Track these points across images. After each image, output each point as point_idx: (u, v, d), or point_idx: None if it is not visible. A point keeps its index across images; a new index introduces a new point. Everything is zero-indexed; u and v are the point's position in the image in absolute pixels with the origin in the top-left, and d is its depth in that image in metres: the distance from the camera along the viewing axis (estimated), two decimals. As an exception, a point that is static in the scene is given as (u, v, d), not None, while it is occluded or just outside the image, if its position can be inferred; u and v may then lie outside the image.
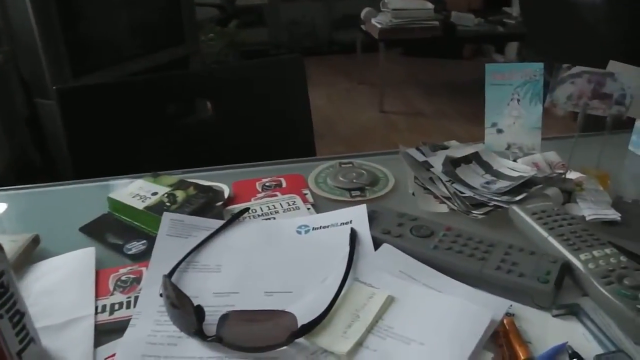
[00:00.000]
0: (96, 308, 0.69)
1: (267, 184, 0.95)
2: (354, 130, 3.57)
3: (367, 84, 4.36)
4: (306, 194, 0.92)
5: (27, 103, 3.03)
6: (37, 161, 3.14)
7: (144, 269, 0.75)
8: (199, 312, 0.62)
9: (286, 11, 5.32)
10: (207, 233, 0.79)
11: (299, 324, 0.61)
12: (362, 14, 4.12)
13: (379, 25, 3.78)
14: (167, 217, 0.81)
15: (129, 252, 0.80)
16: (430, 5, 3.81)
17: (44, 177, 2.99)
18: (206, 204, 0.85)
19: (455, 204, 0.89)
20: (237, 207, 0.88)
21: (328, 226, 0.80)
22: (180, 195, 0.86)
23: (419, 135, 3.53)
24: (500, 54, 4.78)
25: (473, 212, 0.87)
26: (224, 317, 0.61)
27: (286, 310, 0.62)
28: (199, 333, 0.62)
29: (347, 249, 0.74)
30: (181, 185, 0.89)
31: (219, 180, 0.95)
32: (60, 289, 0.72)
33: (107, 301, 0.70)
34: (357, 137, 3.46)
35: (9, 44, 2.89)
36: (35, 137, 3.10)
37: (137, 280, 0.73)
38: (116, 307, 0.69)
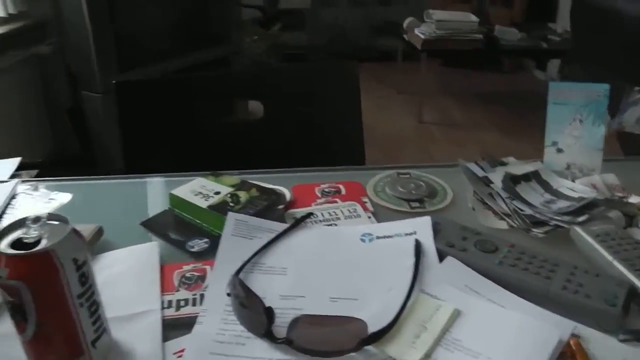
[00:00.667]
0: (162, 303, 0.70)
1: (326, 190, 0.95)
2: (392, 139, 3.56)
3: (406, 93, 4.35)
4: (366, 202, 0.92)
5: (71, 95, 3.07)
6: (77, 152, 3.18)
7: (207, 267, 0.76)
8: (270, 313, 0.63)
9: (326, 16, 5.33)
10: (271, 235, 0.80)
11: (369, 332, 0.62)
12: (405, 24, 4.12)
13: (422, 36, 3.77)
14: (232, 217, 0.82)
15: (192, 250, 0.81)
16: (474, 18, 3.80)
17: (83, 168, 3.03)
18: (269, 206, 0.86)
19: (516, 221, 0.88)
20: (298, 211, 0.89)
21: (392, 236, 0.80)
22: (243, 196, 0.87)
23: (455, 146, 3.52)
24: (541, 70, 4.74)
25: (533, 230, 0.87)
26: (296, 320, 0.62)
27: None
28: (268, 334, 0.63)
29: (412, 259, 0.74)
30: (243, 186, 0.90)
31: (275, 183, 0.96)
32: (125, 282, 0.74)
33: (173, 297, 0.71)
34: (395, 146, 3.46)
35: (58, 35, 2.93)
36: (76, 129, 3.14)
37: (202, 278, 0.74)
38: (182, 303, 0.70)
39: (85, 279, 0.57)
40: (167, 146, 1.38)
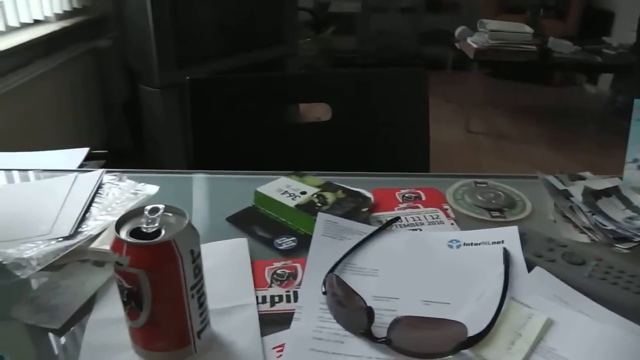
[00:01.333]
0: (256, 298, 0.71)
1: (406, 195, 0.96)
2: (439, 148, 3.54)
3: (453, 102, 4.34)
4: (447, 209, 0.93)
5: (127, 89, 3.13)
6: (129, 146, 3.24)
7: (298, 265, 0.77)
8: (371, 313, 0.64)
9: (376, 21, 5.35)
10: (360, 237, 0.81)
11: (467, 336, 0.62)
12: (457, 33, 4.11)
13: (474, 45, 3.76)
14: (322, 217, 0.83)
15: (280, 247, 0.82)
16: (529, 29, 3.78)
17: (134, 162, 3.08)
18: (355, 208, 0.87)
19: (598, 235, 0.88)
20: (382, 214, 0.89)
21: (479, 243, 0.80)
22: (330, 197, 0.89)
23: (503, 159, 3.50)
24: (592, 84, 4.68)
25: (616, 245, 0.86)
26: (396, 321, 0.62)
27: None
28: (367, 334, 0.63)
29: (501, 267, 0.75)
30: (329, 187, 0.91)
31: (352, 186, 0.96)
32: (219, 275, 0.75)
33: (267, 293, 0.72)
34: (443, 155, 3.44)
35: (118, 30, 2.99)
36: (130, 122, 3.19)
37: (293, 275, 0.75)
38: (276, 299, 0.71)
39: (198, 271, 0.59)
40: (235, 144, 1.40)
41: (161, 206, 0.58)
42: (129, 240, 0.55)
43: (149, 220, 0.57)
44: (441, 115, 4.17)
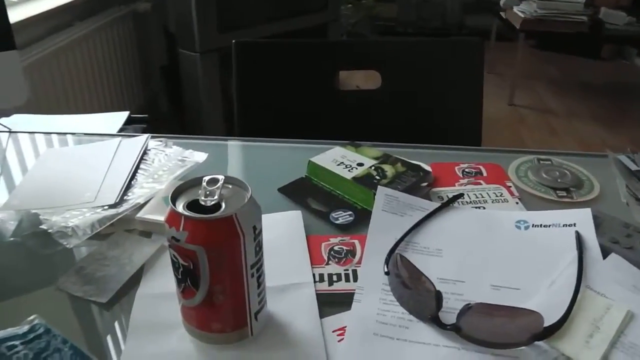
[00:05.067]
0: (313, 276, 0.67)
1: (466, 170, 0.91)
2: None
3: (495, 74, 4.23)
4: (510, 186, 0.87)
5: (166, 53, 3.10)
6: (167, 110, 3.22)
7: (356, 241, 0.73)
8: (439, 297, 0.60)
9: (419, -12, 5.22)
10: (422, 214, 0.76)
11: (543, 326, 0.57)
12: (503, 1, 3.98)
13: (522, 15, 3.64)
14: (382, 191, 0.78)
15: (336, 222, 0.78)
16: (580, -1, 3.63)
17: (173, 127, 3.07)
18: (416, 183, 0.82)
19: (675, 220, 0.82)
20: (443, 190, 0.85)
21: (549, 225, 0.75)
22: (389, 170, 0.84)
23: (548, 134, 3.41)
24: (643, 58, 4.52)
25: (695, 231, 0.80)
26: (467, 308, 0.58)
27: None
28: (435, 320, 0.59)
29: (574, 253, 0.70)
30: (387, 159, 0.87)
31: (409, 159, 0.91)
32: (274, 250, 0.71)
33: (324, 270, 0.68)
34: (485, 127, 3.36)
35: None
36: (168, 87, 3.18)
37: (352, 252, 0.71)
38: (334, 278, 0.67)
39: (259, 248, 0.55)
40: (280, 110, 1.36)
41: (220, 177, 0.54)
42: (186, 213, 0.51)
43: (208, 192, 0.53)
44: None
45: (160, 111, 3.31)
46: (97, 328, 0.63)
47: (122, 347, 0.59)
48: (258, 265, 0.55)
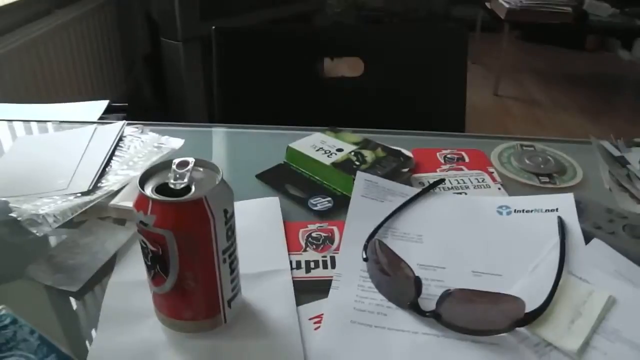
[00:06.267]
0: (290, 263, 0.66)
1: (448, 156, 0.90)
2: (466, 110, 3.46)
3: (480, 64, 4.22)
4: (492, 172, 0.86)
5: (149, 41, 3.06)
6: (150, 98, 3.19)
7: (334, 228, 0.71)
8: (419, 284, 0.58)
9: (404, -21, 5.19)
10: (402, 199, 0.75)
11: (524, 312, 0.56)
12: (488, -9, 3.97)
13: (507, 5, 3.62)
14: (361, 177, 0.77)
15: (315, 208, 0.76)
16: (565, -11, 3.63)
17: (155, 115, 3.04)
18: (396, 168, 0.81)
19: (658, 206, 0.81)
20: (424, 175, 0.83)
21: (531, 211, 0.74)
22: (369, 155, 0.82)
23: (533, 125, 3.41)
24: (626, 49, 4.52)
25: (679, 217, 0.79)
26: (447, 294, 0.56)
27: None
28: (414, 306, 0.58)
29: (556, 238, 0.68)
30: (367, 144, 0.85)
31: (390, 145, 0.90)
32: (250, 237, 0.69)
33: (301, 257, 0.67)
34: (469, 118, 3.36)
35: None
36: (151, 75, 3.14)
37: (329, 239, 0.70)
38: (312, 265, 0.66)
39: (231, 233, 0.53)
40: (261, 97, 1.34)
41: (191, 160, 0.52)
42: (154, 197, 0.49)
43: (177, 175, 0.51)
44: (468, 78, 4.06)
45: (143, 100, 3.28)
46: (67, 318, 0.61)
47: (92, 336, 0.57)
48: (230, 251, 0.53)
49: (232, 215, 0.53)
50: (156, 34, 2.88)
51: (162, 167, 0.53)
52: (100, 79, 2.79)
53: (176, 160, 0.52)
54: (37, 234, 0.71)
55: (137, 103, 3.17)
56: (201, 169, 0.53)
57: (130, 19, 3.07)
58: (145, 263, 0.53)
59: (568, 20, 3.66)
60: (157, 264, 0.51)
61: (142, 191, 0.50)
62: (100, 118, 1.39)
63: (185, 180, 0.51)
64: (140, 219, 0.49)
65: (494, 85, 3.83)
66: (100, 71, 2.80)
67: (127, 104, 1.54)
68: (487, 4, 3.98)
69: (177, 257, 0.50)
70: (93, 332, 0.58)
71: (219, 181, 0.51)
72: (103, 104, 1.47)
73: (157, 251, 0.50)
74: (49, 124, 1.05)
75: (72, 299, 0.63)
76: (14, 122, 1.06)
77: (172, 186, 0.51)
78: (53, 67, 2.34)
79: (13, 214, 0.74)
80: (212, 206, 0.49)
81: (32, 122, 1.06)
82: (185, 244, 0.49)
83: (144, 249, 0.52)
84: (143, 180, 0.52)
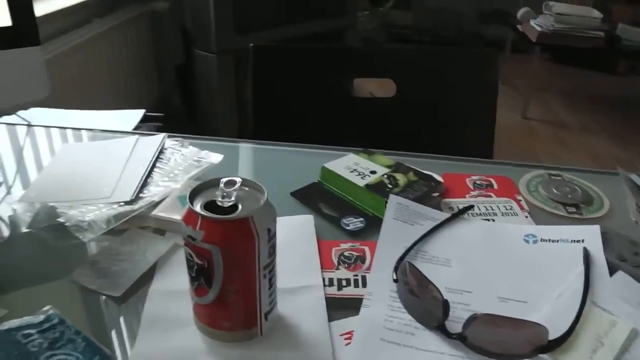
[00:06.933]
0: (323, 280, 0.68)
1: (477, 182, 0.92)
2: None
3: (509, 85, 4.23)
4: (520, 200, 0.88)
5: (182, 52, 3.12)
6: (179, 108, 3.24)
7: (366, 248, 0.74)
8: (446, 306, 0.61)
9: (434, -3, 5.22)
10: (432, 223, 0.77)
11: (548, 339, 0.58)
12: (519, 14, 3.98)
13: (538, 28, 3.63)
14: (394, 200, 0.80)
15: (347, 228, 0.79)
16: (598, 14, 3.62)
17: (186, 126, 3.09)
18: (427, 193, 0.83)
19: (683, 240, 0.82)
20: (453, 201, 0.86)
21: (557, 240, 0.76)
22: (400, 179, 0.85)
23: (561, 147, 3.40)
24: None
25: None
26: (473, 318, 0.59)
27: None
28: (441, 328, 0.60)
29: (580, 268, 0.70)
30: (399, 168, 0.88)
31: (420, 168, 0.92)
32: (285, 253, 0.72)
33: (334, 275, 0.70)
34: (497, 138, 3.37)
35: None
36: (182, 86, 3.19)
37: (361, 258, 0.72)
38: (344, 282, 0.68)
39: (273, 250, 0.56)
40: (294, 114, 1.37)
41: (238, 179, 0.55)
42: (204, 213, 0.52)
43: (225, 194, 0.54)
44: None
45: (172, 109, 3.33)
46: (109, 321, 0.65)
47: (132, 340, 0.60)
48: (270, 267, 0.57)
49: (275, 233, 0.56)
50: (189, 45, 2.93)
51: (209, 184, 0.57)
52: (132, 87, 2.85)
53: (224, 179, 0.56)
54: (83, 240, 0.74)
55: (166, 112, 3.22)
56: (247, 188, 0.57)
57: (164, 29, 3.13)
58: (190, 274, 0.56)
59: (600, 44, 3.65)
60: (201, 276, 0.54)
61: (192, 207, 0.53)
62: (136, 127, 1.44)
63: (233, 198, 0.54)
64: (188, 233, 0.53)
65: (522, 107, 3.84)
66: (134, 79, 2.86)
67: (162, 114, 1.59)
68: (519, 26, 3.99)
69: (221, 271, 0.53)
70: (132, 336, 0.61)
71: (264, 201, 0.54)
72: (139, 114, 1.52)
73: (203, 264, 0.53)
74: (87, 132, 1.09)
75: (114, 304, 0.66)
76: (51, 128, 1.10)
77: (219, 204, 0.54)
78: (90, 74, 2.41)
79: (61, 219, 0.78)
80: (258, 225, 0.52)
81: (67, 130, 1.10)
82: (230, 259, 0.53)
83: (190, 261, 0.55)
84: (192, 196, 0.55)
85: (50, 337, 0.57)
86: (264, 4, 2.83)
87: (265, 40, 2.67)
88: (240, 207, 0.54)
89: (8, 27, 0.85)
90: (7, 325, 0.57)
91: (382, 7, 4.04)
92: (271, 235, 0.55)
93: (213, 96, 2.87)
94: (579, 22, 3.62)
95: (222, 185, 0.55)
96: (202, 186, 0.57)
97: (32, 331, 0.57)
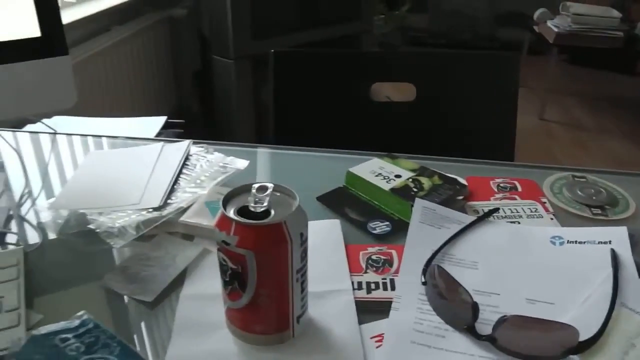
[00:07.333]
0: (352, 283, 0.69)
1: (501, 185, 0.92)
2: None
3: (526, 87, 4.21)
4: (545, 202, 0.88)
5: (200, 59, 3.14)
6: (197, 113, 3.26)
7: (393, 251, 0.75)
8: (476, 308, 0.61)
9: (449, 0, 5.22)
10: (458, 226, 0.78)
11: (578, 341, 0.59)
12: (536, 15, 3.97)
13: (555, 29, 3.62)
14: (420, 203, 0.80)
15: (374, 232, 0.80)
16: (616, 14, 3.60)
17: (203, 130, 3.11)
18: (452, 196, 0.84)
19: None
20: (478, 204, 0.86)
21: (584, 242, 0.76)
22: (425, 182, 0.86)
23: (579, 149, 3.39)
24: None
25: None
26: (502, 319, 0.59)
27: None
28: (471, 330, 0.61)
29: (609, 270, 0.70)
30: (424, 172, 0.88)
31: (443, 172, 0.93)
32: (313, 258, 0.73)
33: (362, 279, 0.70)
34: (516, 142, 3.36)
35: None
36: (200, 91, 3.21)
37: (389, 262, 0.73)
38: (372, 286, 0.69)
39: (305, 255, 0.57)
40: (314, 119, 1.38)
41: (270, 185, 0.56)
42: (237, 219, 0.53)
43: (257, 199, 0.55)
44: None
45: (190, 115, 3.36)
46: (141, 326, 0.66)
47: (165, 345, 0.61)
48: (303, 271, 0.57)
49: (307, 238, 0.57)
50: (207, 51, 2.96)
51: (241, 190, 0.58)
52: (150, 93, 2.87)
53: (256, 185, 0.56)
54: (114, 246, 0.76)
55: (184, 118, 3.24)
56: (278, 194, 0.58)
57: (182, 36, 3.16)
58: (223, 279, 0.57)
59: (619, 44, 3.63)
60: (235, 281, 0.55)
61: (225, 213, 0.54)
62: (158, 134, 1.45)
63: (265, 204, 0.55)
64: (222, 239, 0.54)
65: (539, 109, 3.82)
66: (152, 87, 2.89)
67: (183, 121, 1.60)
68: (535, 27, 3.98)
69: (255, 275, 0.54)
70: (166, 341, 0.62)
71: (296, 207, 0.55)
72: (161, 120, 1.54)
73: (237, 269, 0.54)
74: (111, 139, 1.11)
75: (145, 309, 0.67)
76: (72, 135, 1.13)
77: (252, 209, 0.55)
78: (109, 81, 2.43)
79: (91, 226, 0.79)
80: (290, 229, 0.53)
81: (92, 137, 1.12)
82: (264, 263, 0.54)
83: (223, 266, 0.56)
84: (225, 202, 0.56)
85: (86, 341, 0.58)
86: (281, 10, 2.85)
87: (282, 45, 2.67)
88: (272, 212, 0.54)
89: (37, 37, 0.86)
90: (44, 330, 0.58)
91: (398, 11, 4.04)
92: (303, 240, 0.56)
93: (231, 102, 2.89)
94: (597, 22, 3.60)
95: (254, 190, 0.56)
96: (234, 192, 0.58)
97: (69, 335, 0.58)
